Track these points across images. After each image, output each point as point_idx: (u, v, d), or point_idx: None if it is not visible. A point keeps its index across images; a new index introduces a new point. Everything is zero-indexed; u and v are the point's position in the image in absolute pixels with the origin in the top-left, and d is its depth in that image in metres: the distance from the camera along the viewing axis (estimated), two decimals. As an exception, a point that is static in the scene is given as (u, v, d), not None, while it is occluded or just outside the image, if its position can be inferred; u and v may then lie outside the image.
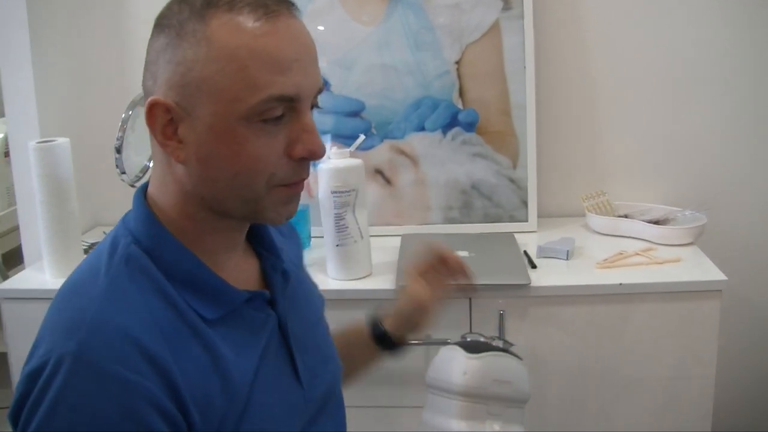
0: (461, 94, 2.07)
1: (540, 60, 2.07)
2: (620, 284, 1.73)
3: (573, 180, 2.19)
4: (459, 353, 1.03)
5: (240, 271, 1.03)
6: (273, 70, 0.88)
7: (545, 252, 1.90)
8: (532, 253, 1.90)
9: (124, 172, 1.71)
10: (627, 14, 2.10)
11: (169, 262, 0.94)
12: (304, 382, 1.05)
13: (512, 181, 2.10)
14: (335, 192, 1.76)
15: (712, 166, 2.18)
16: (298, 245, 1.27)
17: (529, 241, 2.01)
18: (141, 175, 1.79)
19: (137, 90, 2.02)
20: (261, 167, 0.91)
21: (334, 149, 1.82)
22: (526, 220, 2.10)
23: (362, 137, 1.89)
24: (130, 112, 1.71)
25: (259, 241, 1.09)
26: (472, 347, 1.05)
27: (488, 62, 2.06)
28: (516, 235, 2.04)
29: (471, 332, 1.04)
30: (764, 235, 2.23)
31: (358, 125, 2.06)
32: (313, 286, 1.25)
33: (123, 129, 1.69)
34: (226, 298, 0.97)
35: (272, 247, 1.09)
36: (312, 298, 1.20)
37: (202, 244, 0.97)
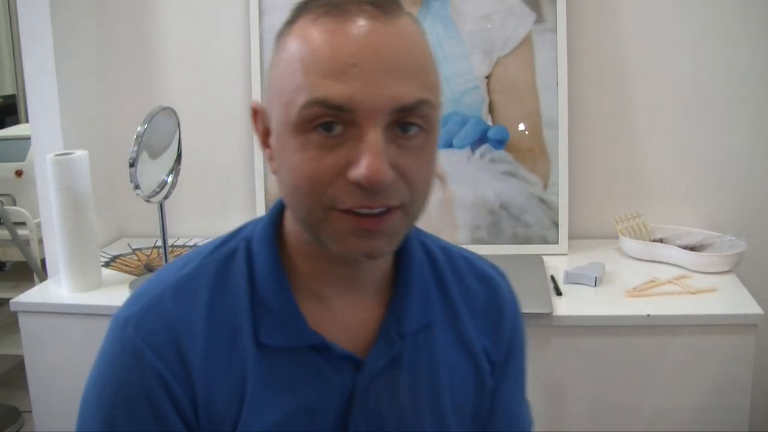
0: (491, 110, 2.00)
1: (573, 75, 2.00)
2: (648, 315, 1.64)
3: (606, 201, 2.11)
4: None
5: (349, 316, 0.94)
6: (323, 72, 0.78)
7: (573, 278, 1.82)
8: (559, 279, 1.82)
9: (138, 187, 1.68)
10: (664, 30, 2.02)
11: (258, 275, 0.91)
12: None
13: (543, 201, 2.02)
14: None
15: (753, 189, 2.08)
16: (501, 339, 1.05)
17: (558, 264, 1.94)
18: (158, 189, 1.76)
19: (159, 102, 2.04)
20: (311, 185, 0.81)
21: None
22: (557, 242, 2.03)
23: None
24: (146, 126, 1.68)
25: (395, 301, 0.96)
26: None
27: (519, 77, 1.99)
28: (545, 258, 1.97)
29: None
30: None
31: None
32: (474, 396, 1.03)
33: (138, 143, 1.66)
34: (292, 333, 0.90)
35: (397, 308, 0.95)
36: (446, 390, 0.99)
37: (307, 267, 0.92)
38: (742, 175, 2.08)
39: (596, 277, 1.79)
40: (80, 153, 1.79)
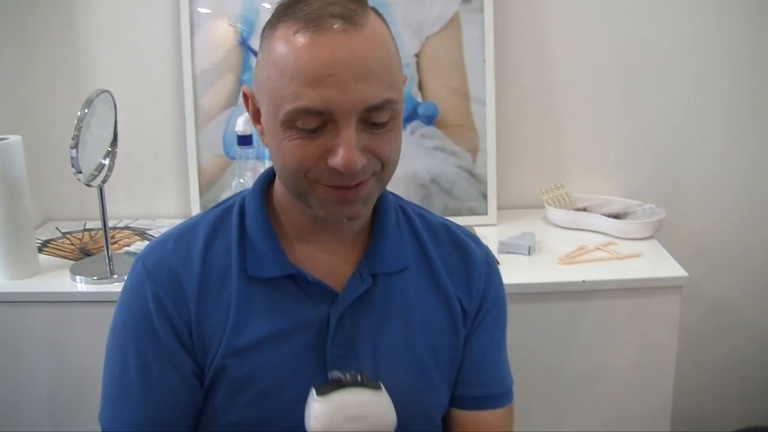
0: (420, 87, 2.05)
1: (500, 54, 2.06)
2: (583, 281, 1.73)
3: (532, 173, 2.20)
4: (311, 398, 1.01)
5: (330, 259, 1.12)
6: (303, 82, 0.93)
7: (507, 248, 1.89)
8: (494, 249, 1.90)
9: (80, 171, 1.66)
10: (586, 8, 2.10)
11: (248, 221, 1.10)
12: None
13: (472, 174, 2.09)
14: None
15: (670, 159, 2.20)
16: (472, 295, 1.19)
17: (488, 234, 2.01)
18: (96, 173, 1.74)
19: (89, 87, 2.00)
20: (296, 166, 0.98)
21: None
22: (486, 214, 2.10)
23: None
24: (86, 110, 1.66)
25: (369, 248, 1.13)
26: (324, 388, 1.01)
27: (448, 55, 2.04)
28: (476, 229, 2.03)
29: (337, 371, 1.04)
30: (722, 229, 2.26)
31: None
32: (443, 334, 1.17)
33: (79, 128, 1.64)
34: (272, 265, 1.08)
35: (370, 253, 1.12)
36: (418, 328, 1.14)
37: (294, 219, 1.11)
38: (659, 145, 2.19)
39: (529, 246, 1.87)
40: (14, 138, 1.75)
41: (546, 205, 2.08)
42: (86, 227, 2.10)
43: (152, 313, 1.06)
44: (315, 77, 0.92)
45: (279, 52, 0.95)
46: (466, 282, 1.19)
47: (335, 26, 0.93)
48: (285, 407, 1.07)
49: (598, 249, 1.89)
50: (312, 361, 1.08)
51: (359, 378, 1.03)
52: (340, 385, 1.02)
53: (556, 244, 1.94)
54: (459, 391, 1.20)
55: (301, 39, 0.93)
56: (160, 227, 2.09)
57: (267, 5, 1.99)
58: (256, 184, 1.14)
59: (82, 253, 1.91)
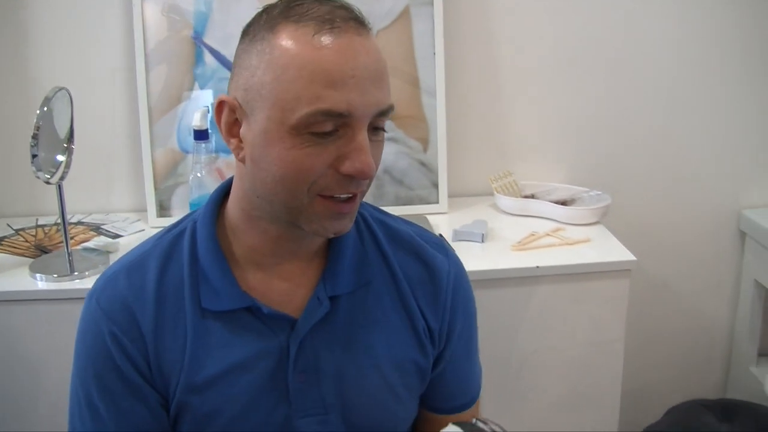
0: (372, 79, 2.08)
1: (449, 46, 2.10)
2: (537, 267, 1.80)
3: (481, 161, 2.25)
4: None
5: (286, 283, 1.08)
6: (325, 83, 0.90)
7: (461, 236, 1.95)
8: (448, 237, 1.95)
9: (40, 170, 1.66)
10: (530, 4, 2.16)
11: (200, 248, 1.06)
12: (295, 402, 1.07)
13: (423, 164, 2.13)
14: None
15: (613, 146, 2.29)
16: (438, 309, 1.16)
17: (440, 222, 2.06)
18: (54, 170, 1.73)
19: (39, 84, 1.99)
20: (303, 176, 0.93)
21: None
22: (437, 202, 2.15)
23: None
24: (45, 108, 1.65)
25: (328, 268, 1.09)
26: None
27: (399, 48, 2.07)
28: (428, 217, 2.09)
29: (480, 417, 1.05)
30: (663, 213, 2.37)
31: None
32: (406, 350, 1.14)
33: (37, 126, 1.63)
34: (228, 298, 1.04)
35: (328, 273, 1.09)
36: (383, 347, 1.11)
37: (249, 241, 1.06)
38: (602, 132, 2.28)
39: (482, 234, 1.93)
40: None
41: (495, 193, 2.14)
42: (39, 223, 2.08)
43: (112, 350, 1.02)
44: (339, 78, 0.89)
45: (291, 55, 0.90)
46: (431, 297, 1.15)
47: (354, 29, 0.92)
48: None
49: (549, 235, 1.96)
50: (273, 390, 1.06)
51: None
52: None
53: (508, 231, 2.00)
54: (434, 403, 1.21)
55: (320, 39, 0.90)
56: (114, 221, 2.08)
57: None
58: (206, 207, 1.09)
59: (38, 249, 1.90)
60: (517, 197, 2.14)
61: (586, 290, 1.85)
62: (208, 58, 2.01)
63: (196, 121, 1.84)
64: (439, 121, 2.11)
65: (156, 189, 2.04)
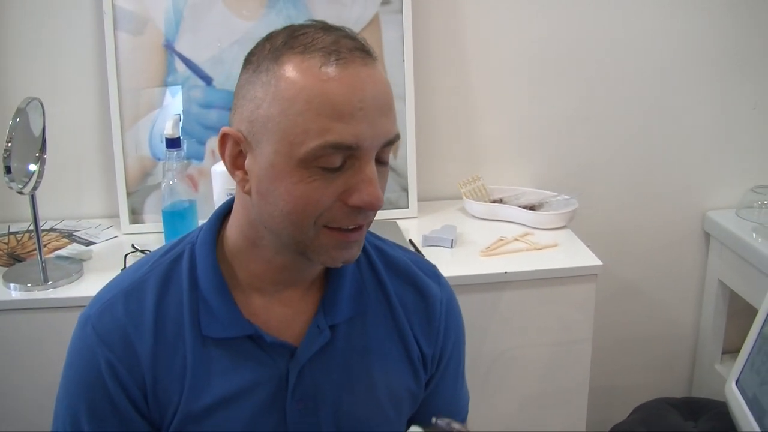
0: (342, 86, 2.10)
1: (418, 53, 2.13)
2: (506, 272, 1.84)
3: (450, 166, 2.29)
4: None
5: (286, 310, 1.06)
6: (333, 116, 0.88)
7: (430, 241, 1.98)
8: (418, 242, 1.98)
9: (13, 180, 1.67)
10: (499, 10, 2.19)
11: (200, 274, 1.03)
12: (293, 429, 1.06)
13: (393, 169, 2.16)
14: (230, 194, 1.78)
15: (579, 151, 2.33)
16: (432, 336, 1.17)
17: (410, 227, 2.10)
18: (26, 179, 1.74)
19: (11, 91, 2.00)
20: (311, 209, 0.92)
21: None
22: (407, 207, 2.18)
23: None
24: (18, 120, 1.66)
25: (327, 295, 1.08)
26: None
27: (369, 55, 2.10)
28: (398, 222, 2.11)
29: (441, 416, 1.07)
30: (629, 217, 2.42)
31: (242, 119, 2.06)
32: (401, 378, 1.14)
33: (11, 137, 1.64)
34: (230, 326, 1.02)
35: (327, 301, 1.08)
36: (379, 374, 1.12)
37: (251, 267, 1.04)
38: (569, 138, 2.32)
39: (452, 240, 1.96)
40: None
41: (464, 198, 2.18)
42: (11, 230, 2.08)
43: (106, 378, 1.00)
44: (347, 111, 0.88)
45: (297, 88, 0.89)
46: (425, 323, 1.16)
47: (360, 60, 0.91)
48: None
49: (517, 240, 2.00)
50: (271, 417, 1.05)
51: None
52: None
53: (477, 236, 2.03)
54: (423, 426, 1.21)
55: (327, 71, 0.89)
56: (87, 228, 2.09)
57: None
58: (205, 232, 1.07)
59: (12, 258, 1.91)
60: (485, 202, 2.18)
61: (554, 294, 1.89)
62: (180, 66, 2.03)
63: (168, 129, 1.86)
64: (408, 126, 2.14)
65: (128, 195, 2.06)
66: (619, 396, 2.52)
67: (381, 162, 0.96)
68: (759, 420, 1.43)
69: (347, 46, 0.91)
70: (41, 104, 1.75)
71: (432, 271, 1.22)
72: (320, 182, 0.91)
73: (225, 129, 0.96)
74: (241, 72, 0.97)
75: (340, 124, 0.88)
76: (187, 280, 1.03)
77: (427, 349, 1.16)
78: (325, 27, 0.94)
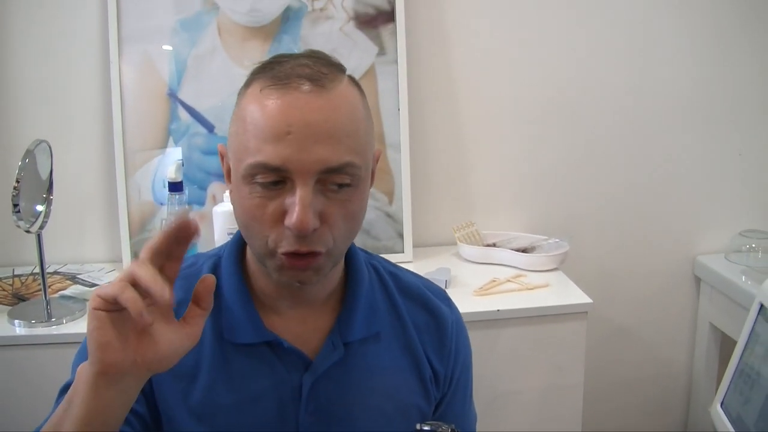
0: (340, 133, 2.17)
1: (413, 103, 2.21)
2: (498, 310, 1.88)
3: (444, 213, 2.35)
4: None
5: (302, 327, 1.11)
6: (262, 138, 0.94)
7: (425, 282, 2.03)
8: (413, 283, 2.03)
9: (21, 219, 1.73)
10: (492, 61, 2.28)
11: (224, 284, 1.09)
12: None
13: (389, 215, 2.22)
14: (231, 234, 1.84)
15: (569, 195, 2.40)
16: (444, 356, 1.21)
17: (406, 271, 2.14)
18: (33, 220, 1.80)
19: (19, 135, 2.06)
20: (257, 227, 0.98)
21: (227, 192, 1.90)
22: (403, 251, 2.23)
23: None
24: (27, 161, 1.73)
25: (342, 314, 1.13)
26: None
27: (365, 104, 2.17)
28: (394, 266, 2.16)
29: (428, 422, 1.11)
30: (618, 257, 2.47)
31: (242, 166, 2.12)
32: (413, 399, 1.18)
33: (19, 177, 1.71)
34: (252, 332, 1.07)
35: (343, 320, 1.12)
36: (390, 392, 1.15)
37: (261, 284, 1.10)
38: (561, 185, 2.38)
39: (446, 280, 2.01)
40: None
41: (458, 242, 2.23)
42: (15, 273, 2.14)
43: None
44: (274, 134, 0.93)
45: (247, 109, 0.97)
46: (437, 343, 1.20)
47: (302, 87, 0.95)
48: None
49: (509, 281, 2.04)
50: (284, 427, 1.09)
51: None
52: None
53: (470, 278, 2.07)
54: None
55: (266, 95, 0.95)
56: (90, 271, 2.14)
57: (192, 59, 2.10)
58: (231, 245, 1.13)
59: (16, 298, 1.95)
60: (479, 246, 2.23)
61: (546, 333, 1.93)
62: (183, 114, 2.10)
63: (171, 173, 1.93)
64: (404, 174, 2.20)
65: (131, 239, 2.11)
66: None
67: (340, 188, 0.98)
68: (742, 439, 1.47)
69: (298, 73, 0.96)
70: (49, 147, 1.82)
71: (443, 294, 1.27)
72: (260, 200, 0.97)
73: (219, 146, 1.07)
74: None
75: (268, 146, 0.94)
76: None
77: (440, 369, 1.20)
78: (305, 55, 1.01)
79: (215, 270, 1.12)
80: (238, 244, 1.13)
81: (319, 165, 0.95)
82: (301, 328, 1.11)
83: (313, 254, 0.99)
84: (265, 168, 0.94)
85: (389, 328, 1.17)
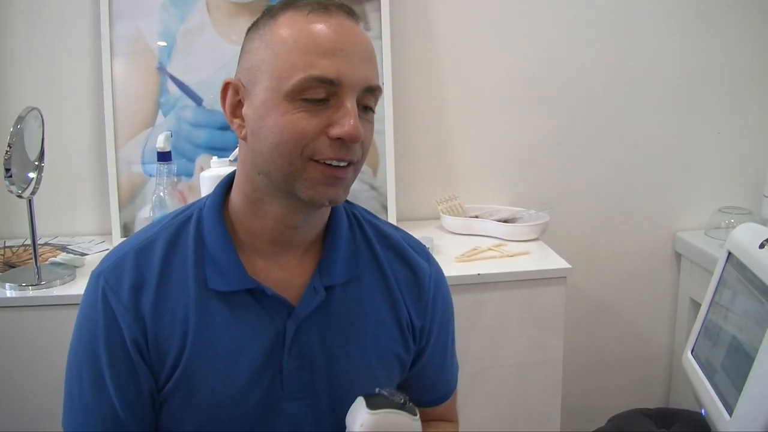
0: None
1: (397, 79, 2.26)
2: (478, 274, 1.92)
3: (428, 186, 2.40)
4: (362, 406, 1.11)
5: (284, 273, 1.14)
6: (317, 53, 1.00)
7: (408, 250, 2.07)
8: (397, 252, 2.07)
9: (13, 184, 1.77)
10: (475, 38, 2.33)
11: (206, 233, 1.13)
12: (288, 385, 1.13)
13: (373, 187, 2.27)
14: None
15: (550, 169, 2.45)
16: (421, 309, 1.24)
17: (390, 242, 2.18)
18: (25, 186, 1.84)
19: (8, 105, 2.10)
20: (297, 139, 1.02)
21: (215, 159, 1.95)
22: (387, 224, 2.27)
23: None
24: (19, 126, 1.77)
25: (323, 259, 1.16)
26: (375, 402, 1.12)
27: (350, 79, 2.22)
28: (379, 238, 2.20)
29: (386, 389, 1.16)
30: (599, 232, 2.52)
31: (230, 138, 2.18)
32: (393, 347, 1.21)
33: (11, 143, 1.75)
34: (235, 279, 1.11)
35: (323, 264, 1.16)
36: (371, 338, 1.19)
37: (250, 227, 1.13)
38: (542, 160, 2.44)
39: (428, 248, 2.05)
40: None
41: (441, 215, 2.28)
42: (6, 245, 2.17)
43: (115, 327, 1.08)
44: (329, 49, 1.00)
45: (288, 32, 1.02)
46: (415, 296, 1.23)
47: (340, 14, 1.04)
48: (241, 418, 1.12)
49: (490, 249, 2.09)
50: (268, 372, 1.12)
51: (404, 402, 1.12)
52: (387, 402, 1.11)
53: (452, 248, 2.12)
54: (416, 395, 1.25)
55: (313, 18, 1.02)
56: (80, 242, 2.18)
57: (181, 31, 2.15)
58: (213, 195, 1.16)
59: (7, 266, 1.99)
60: (462, 217, 2.28)
61: (526, 298, 1.98)
62: (172, 87, 2.15)
63: (160, 143, 1.97)
64: (388, 148, 2.25)
65: (120, 210, 2.15)
66: (594, 414, 2.56)
67: (365, 111, 1.06)
68: (710, 378, 1.51)
69: (334, 4, 1.05)
70: (41, 114, 1.86)
71: (422, 249, 1.30)
72: (305, 114, 1.01)
73: (227, 78, 1.09)
74: (245, 36, 1.11)
75: (323, 60, 1.00)
76: (193, 240, 1.12)
77: (417, 321, 1.24)
78: None
79: (187, 227, 1.14)
80: (220, 193, 1.16)
81: (364, 82, 1.03)
82: (284, 273, 1.14)
83: (347, 165, 1.05)
84: (320, 81, 1.00)
85: (369, 276, 1.20)
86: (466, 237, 2.22)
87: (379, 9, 2.21)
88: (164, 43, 2.15)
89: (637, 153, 2.48)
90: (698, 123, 2.48)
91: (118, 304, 1.08)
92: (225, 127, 2.18)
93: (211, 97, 2.17)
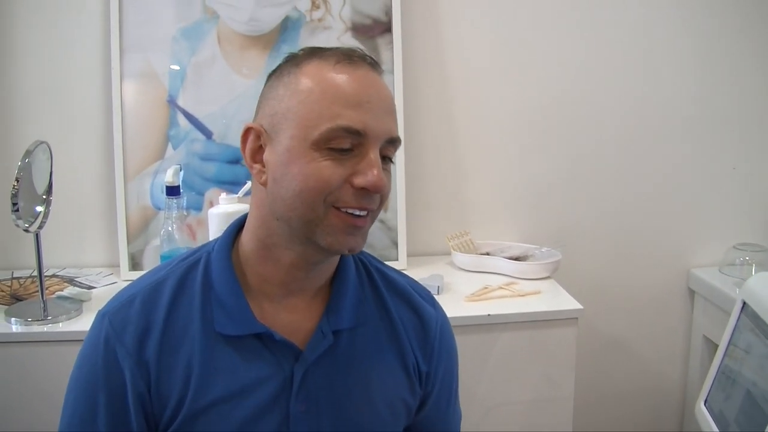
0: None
1: (408, 115, 2.24)
2: (488, 315, 1.90)
3: (439, 222, 2.38)
4: None
5: (292, 316, 1.15)
6: (344, 104, 1.03)
7: (418, 288, 2.04)
8: (406, 290, 2.05)
9: (20, 218, 1.76)
10: (487, 75, 2.32)
11: (215, 277, 1.13)
12: (294, 429, 1.12)
13: (383, 223, 2.25)
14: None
15: (562, 207, 2.42)
16: (427, 353, 1.25)
17: (400, 278, 2.16)
18: (33, 220, 1.83)
19: (19, 139, 2.09)
20: (322, 186, 1.03)
21: (223, 195, 1.93)
22: (397, 260, 2.25)
23: (249, 184, 1.99)
24: (27, 160, 1.76)
25: (331, 303, 1.17)
26: None
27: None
28: (389, 274, 2.18)
29: None
30: (612, 269, 2.49)
31: (239, 172, 2.16)
32: (399, 402, 1.22)
33: (19, 177, 1.74)
34: (242, 324, 1.10)
35: (332, 309, 1.16)
36: (378, 383, 1.19)
37: (261, 271, 1.13)
38: (555, 197, 2.41)
39: (438, 286, 2.03)
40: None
41: (452, 251, 2.26)
42: (14, 276, 2.16)
43: (116, 370, 1.08)
44: (356, 101, 1.03)
45: (315, 81, 1.04)
46: (422, 341, 1.24)
47: (365, 66, 1.07)
48: None
49: (501, 288, 2.06)
50: (275, 416, 1.11)
51: None
52: None
53: (463, 285, 2.10)
54: None
55: (341, 69, 1.04)
56: (87, 275, 2.17)
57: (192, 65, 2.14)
58: (223, 239, 1.16)
59: (14, 298, 1.98)
60: (473, 254, 2.25)
61: (537, 339, 1.95)
62: (182, 120, 2.14)
63: (168, 177, 1.96)
64: (399, 184, 2.23)
65: (129, 243, 2.14)
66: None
67: (385, 161, 1.08)
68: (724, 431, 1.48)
69: (359, 55, 1.08)
70: (49, 147, 1.85)
71: (428, 295, 1.31)
72: (330, 162, 1.03)
73: (247, 124, 1.10)
74: (265, 83, 1.12)
75: (350, 111, 1.02)
76: (201, 284, 1.13)
77: (424, 366, 1.24)
78: (341, 48, 1.10)
79: (195, 270, 1.15)
80: (230, 237, 1.17)
81: (387, 134, 1.06)
82: (291, 317, 1.14)
83: (366, 215, 1.07)
84: (347, 131, 1.02)
85: (377, 320, 1.21)
86: (477, 274, 2.20)
87: (391, 44, 2.20)
88: (175, 75, 2.14)
89: (651, 187, 2.45)
90: (713, 158, 2.46)
91: (121, 348, 1.08)
92: (234, 161, 2.17)
93: (223, 130, 2.16)
